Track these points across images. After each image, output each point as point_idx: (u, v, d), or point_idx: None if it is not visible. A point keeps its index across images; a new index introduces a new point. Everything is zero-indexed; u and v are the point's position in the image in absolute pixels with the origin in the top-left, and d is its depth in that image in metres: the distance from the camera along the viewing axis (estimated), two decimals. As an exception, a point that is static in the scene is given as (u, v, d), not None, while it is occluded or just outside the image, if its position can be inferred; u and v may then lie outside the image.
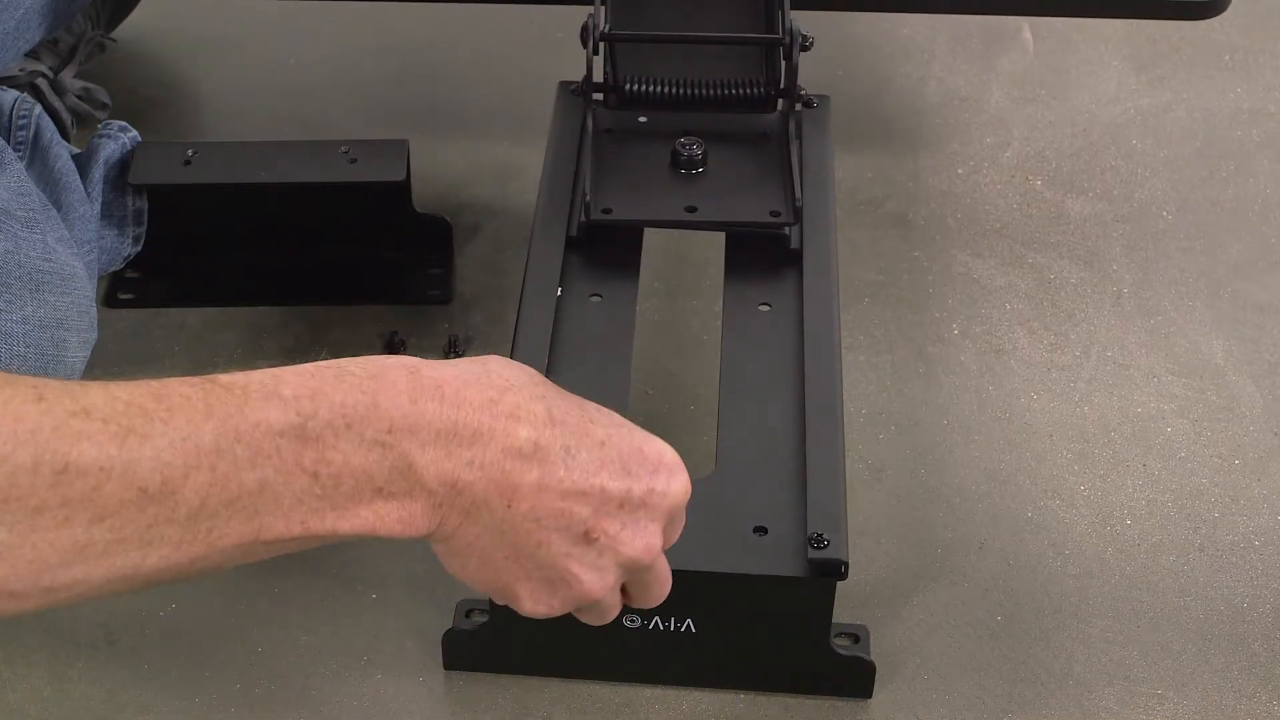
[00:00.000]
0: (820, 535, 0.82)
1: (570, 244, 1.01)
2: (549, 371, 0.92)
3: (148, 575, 0.62)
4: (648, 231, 1.03)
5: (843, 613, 0.91)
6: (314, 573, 0.94)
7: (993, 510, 0.99)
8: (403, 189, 1.11)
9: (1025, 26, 1.43)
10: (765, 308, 0.98)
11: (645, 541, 0.71)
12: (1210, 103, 1.36)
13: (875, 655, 0.89)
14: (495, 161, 1.26)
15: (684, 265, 1.14)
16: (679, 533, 0.74)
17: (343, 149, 1.11)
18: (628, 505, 0.70)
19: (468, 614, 0.87)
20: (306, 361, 1.03)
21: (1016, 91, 1.37)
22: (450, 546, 0.68)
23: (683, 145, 1.03)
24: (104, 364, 1.07)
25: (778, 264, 1.00)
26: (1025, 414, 1.06)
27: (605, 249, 1.01)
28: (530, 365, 0.92)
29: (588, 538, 0.69)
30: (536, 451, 0.67)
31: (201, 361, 1.08)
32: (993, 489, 1.01)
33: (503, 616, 0.85)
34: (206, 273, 1.14)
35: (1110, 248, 1.20)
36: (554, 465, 0.68)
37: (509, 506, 0.67)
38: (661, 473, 0.71)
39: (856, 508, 0.99)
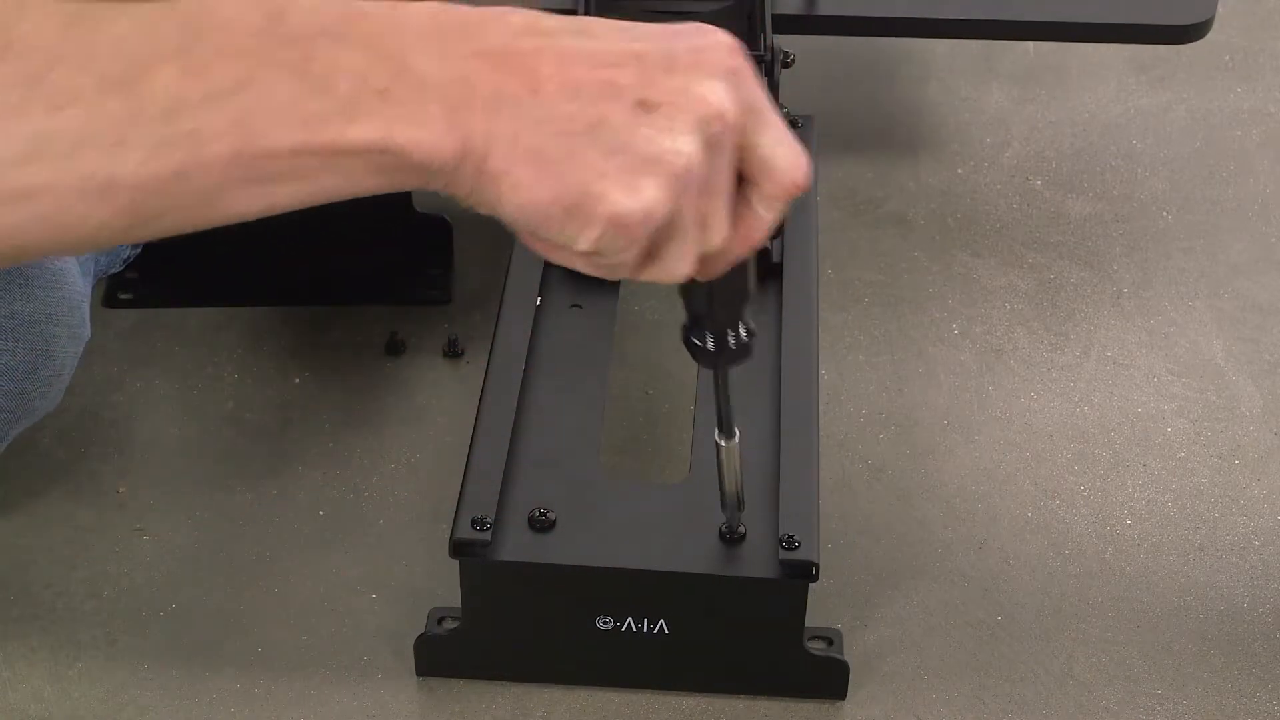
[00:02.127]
0: (792, 537, 0.82)
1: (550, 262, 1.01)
2: (526, 379, 0.92)
3: (129, 190, 0.56)
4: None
5: (842, 612, 0.91)
6: (314, 573, 0.94)
7: (993, 510, 0.99)
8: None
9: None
10: None
11: (716, 93, 0.59)
12: (1210, 103, 1.36)
13: (874, 655, 0.89)
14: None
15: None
16: (761, 99, 0.62)
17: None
18: (675, 66, 0.59)
19: (439, 621, 0.88)
20: (307, 362, 1.03)
21: (1016, 91, 1.37)
22: (492, 164, 0.58)
23: None
24: (104, 364, 1.07)
25: (758, 278, 1.01)
26: (1025, 414, 1.06)
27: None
28: (508, 373, 0.92)
29: (646, 106, 0.58)
30: (544, 32, 0.59)
31: (201, 362, 1.08)
32: (993, 489, 1.01)
33: (474, 627, 0.86)
34: (206, 273, 1.14)
35: (1110, 248, 1.20)
36: (569, 40, 0.59)
37: (535, 92, 0.58)
38: (697, 33, 0.61)
39: (856, 508, 0.99)
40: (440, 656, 0.88)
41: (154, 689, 0.88)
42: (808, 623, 0.85)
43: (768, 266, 1.01)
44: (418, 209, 1.13)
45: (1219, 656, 0.91)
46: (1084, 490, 1.01)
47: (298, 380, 1.07)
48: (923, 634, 0.92)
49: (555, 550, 0.83)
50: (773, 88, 1.06)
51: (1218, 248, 1.21)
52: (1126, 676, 0.90)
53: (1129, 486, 1.01)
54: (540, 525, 0.84)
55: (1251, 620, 0.93)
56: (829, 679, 0.87)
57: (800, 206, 1.05)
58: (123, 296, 1.13)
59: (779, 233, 1.01)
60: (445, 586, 0.88)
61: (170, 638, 0.90)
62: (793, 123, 1.11)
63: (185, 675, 0.88)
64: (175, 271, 1.14)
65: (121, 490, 0.99)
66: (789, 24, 1.15)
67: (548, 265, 1.01)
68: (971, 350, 1.11)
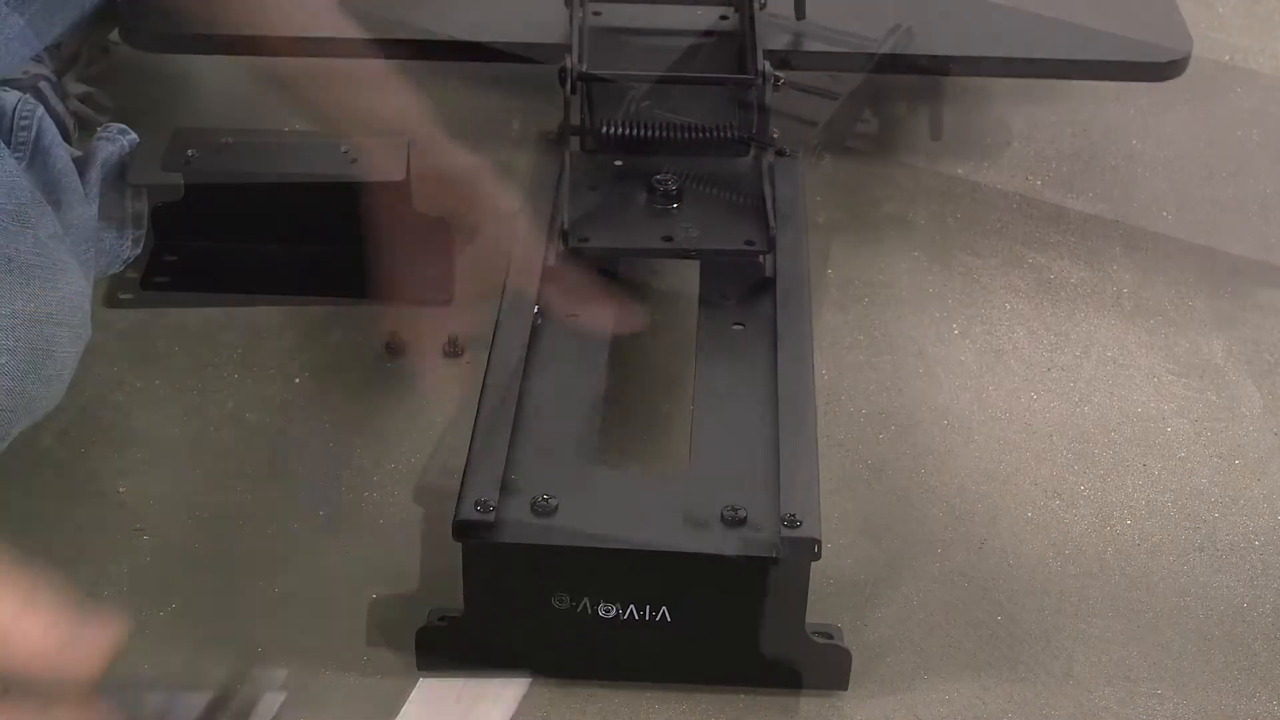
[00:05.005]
0: (793, 516, 0.82)
1: (547, 272, 1.02)
2: (525, 378, 0.93)
3: None
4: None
5: (842, 613, 0.91)
6: (314, 573, 0.94)
7: (993, 510, 0.99)
8: (403, 189, 1.11)
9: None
10: (739, 327, 0.99)
11: None
12: (1210, 103, 1.36)
13: (874, 655, 0.89)
14: (495, 162, 1.26)
15: (684, 266, 1.14)
16: None
17: (343, 149, 1.11)
18: None
19: (440, 620, 0.88)
20: (307, 362, 1.03)
21: (1017, 91, 1.37)
22: None
23: (658, 181, 1.05)
24: (104, 364, 1.07)
25: (751, 291, 1.02)
26: (1025, 414, 1.06)
27: (582, 277, 1.02)
28: (505, 379, 0.92)
29: None
30: None
31: (201, 361, 1.08)
32: (993, 489, 1.01)
33: (475, 615, 0.86)
34: (207, 273, 1.14)
35: (1110, 248, 1.20)
36: None
37: None
38: None
39: (856, 507, 0.99)
40: (441, 651, 0.88)
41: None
42: (808, 621, 0.85)
43: (760, 281, 1.02)
44: (418, 209, 1.13)
45: (1219, 656, 0.91)
46: (1084, 490, 1.01)
47: (298, 380, 1.07)
48: (923, 634, 0.92)
49: (557, 532, 0.84)
50: (762, 111, 1.07)
51: (1218, 248, 1.21)
52: (1126, 676, 0.90)
53: (1129, 486, 1.01)
54: (542, 510, 0.84)
55: (1251, 620, 0.93)
56: (831, 667, 0.87)
57: (790, 234, 1.06)
58: (123, 296, 1.13)
59: (770, 246, 1.02)
60: (445, 586, 0.88)
61: (170, 637, 0.90)
62: (779, 153, 1.12)
63: (185, 675, 0.88)
64: (176, 271, 1.14)
65: (121, 490, 0.99)
66: (776, 61, 1.15)
67: (543, 282, 1.01)
68: (971, 350, 1.11)
